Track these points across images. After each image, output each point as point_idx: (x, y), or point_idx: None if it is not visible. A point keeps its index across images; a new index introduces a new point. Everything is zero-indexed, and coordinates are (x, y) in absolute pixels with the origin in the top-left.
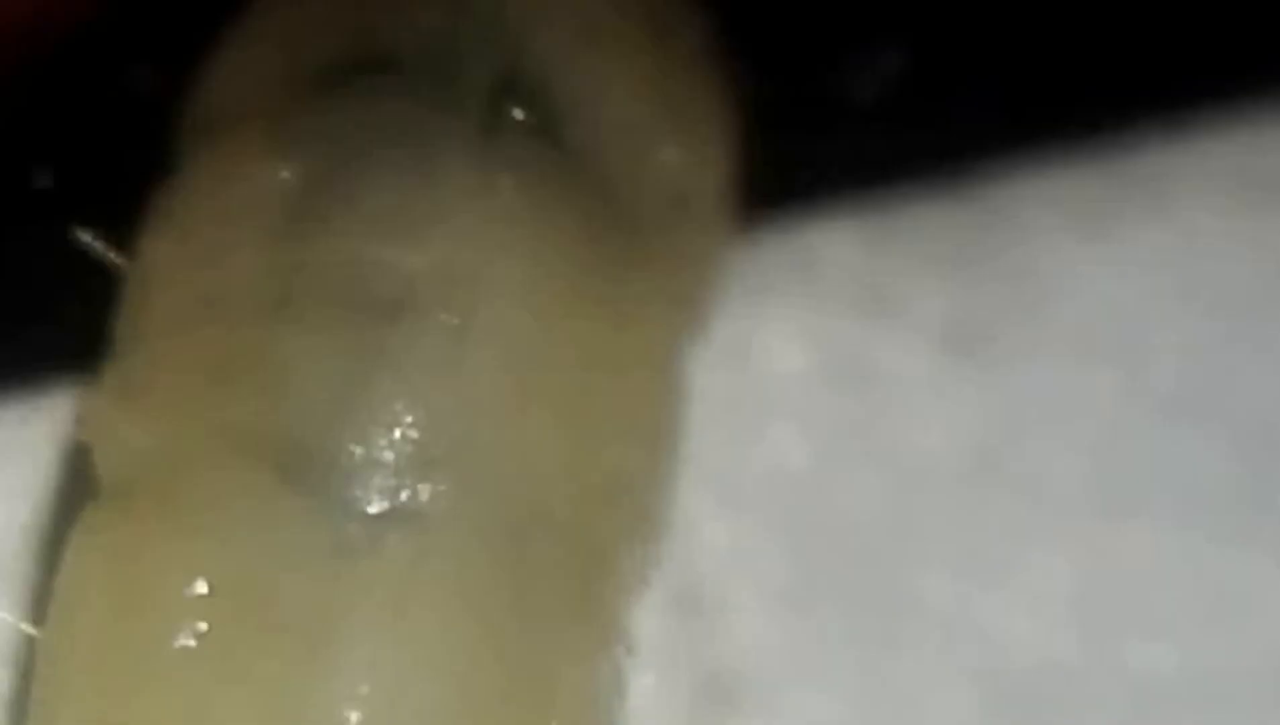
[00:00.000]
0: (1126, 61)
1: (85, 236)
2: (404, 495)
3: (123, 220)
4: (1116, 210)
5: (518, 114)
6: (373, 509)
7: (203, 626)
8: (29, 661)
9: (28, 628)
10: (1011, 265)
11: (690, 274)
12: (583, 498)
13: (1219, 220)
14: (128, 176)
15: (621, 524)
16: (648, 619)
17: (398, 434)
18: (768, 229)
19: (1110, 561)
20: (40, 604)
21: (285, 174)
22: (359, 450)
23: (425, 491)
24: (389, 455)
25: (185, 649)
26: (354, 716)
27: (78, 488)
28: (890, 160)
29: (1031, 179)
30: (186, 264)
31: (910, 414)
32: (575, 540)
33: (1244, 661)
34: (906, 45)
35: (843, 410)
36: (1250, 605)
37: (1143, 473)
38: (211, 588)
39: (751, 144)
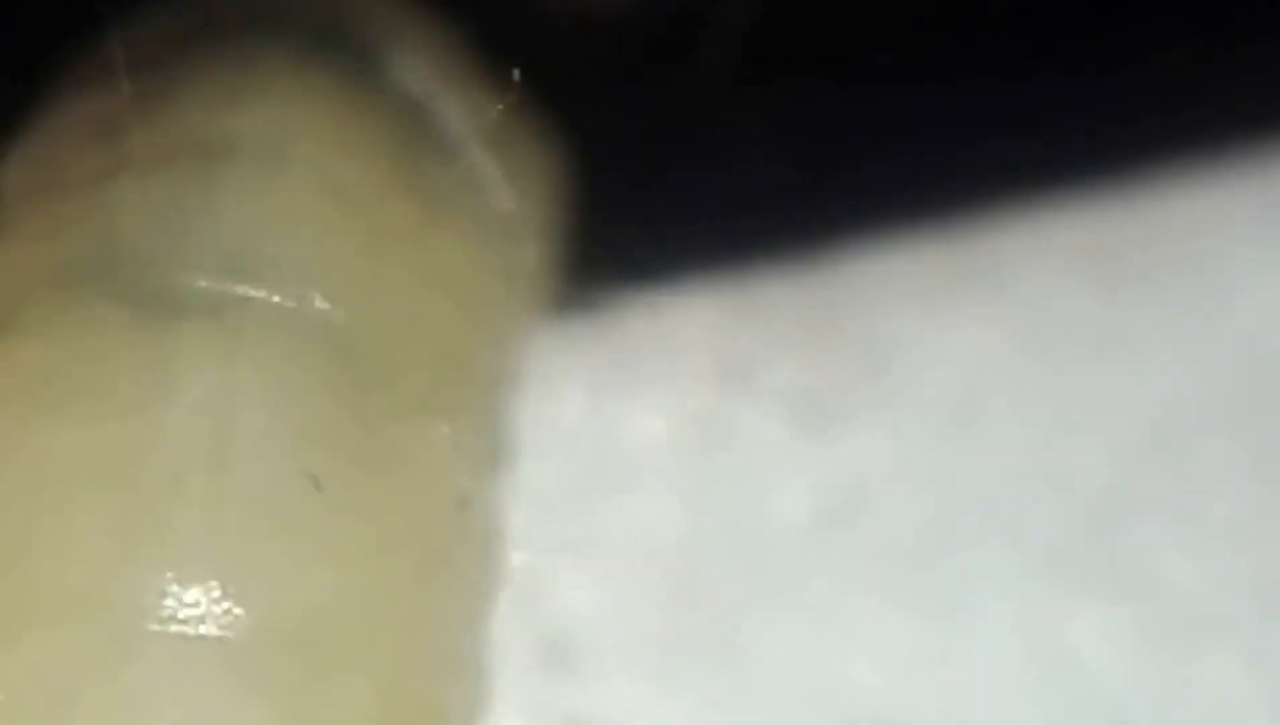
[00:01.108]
0: (967, 144)
1: None
2: (225, 305)
3: None
4: (957, 285)
5: (334, 46)
6: (196, 315)
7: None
8: None
9: None
10: (858, 337)
11: (506, 187)
12: (416, 326)
13: (1054, 294)
14: None
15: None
16: (512, 671)
17: (215, 252)
18: (626, 303)
19: (950, 613)
20: None
21: (128, 89)
22: (181, 269)
23: (244, 304)
24: (207, 271)
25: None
26: (189, 464)
27: None
28: (744, 239)
29: (877, 257)
30: (40, 185)
31: (765, 476)
32: (410, 355)
33: (1080, 711)
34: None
35: (701, 474)
36: (1076, 651)
37: (980, 527)
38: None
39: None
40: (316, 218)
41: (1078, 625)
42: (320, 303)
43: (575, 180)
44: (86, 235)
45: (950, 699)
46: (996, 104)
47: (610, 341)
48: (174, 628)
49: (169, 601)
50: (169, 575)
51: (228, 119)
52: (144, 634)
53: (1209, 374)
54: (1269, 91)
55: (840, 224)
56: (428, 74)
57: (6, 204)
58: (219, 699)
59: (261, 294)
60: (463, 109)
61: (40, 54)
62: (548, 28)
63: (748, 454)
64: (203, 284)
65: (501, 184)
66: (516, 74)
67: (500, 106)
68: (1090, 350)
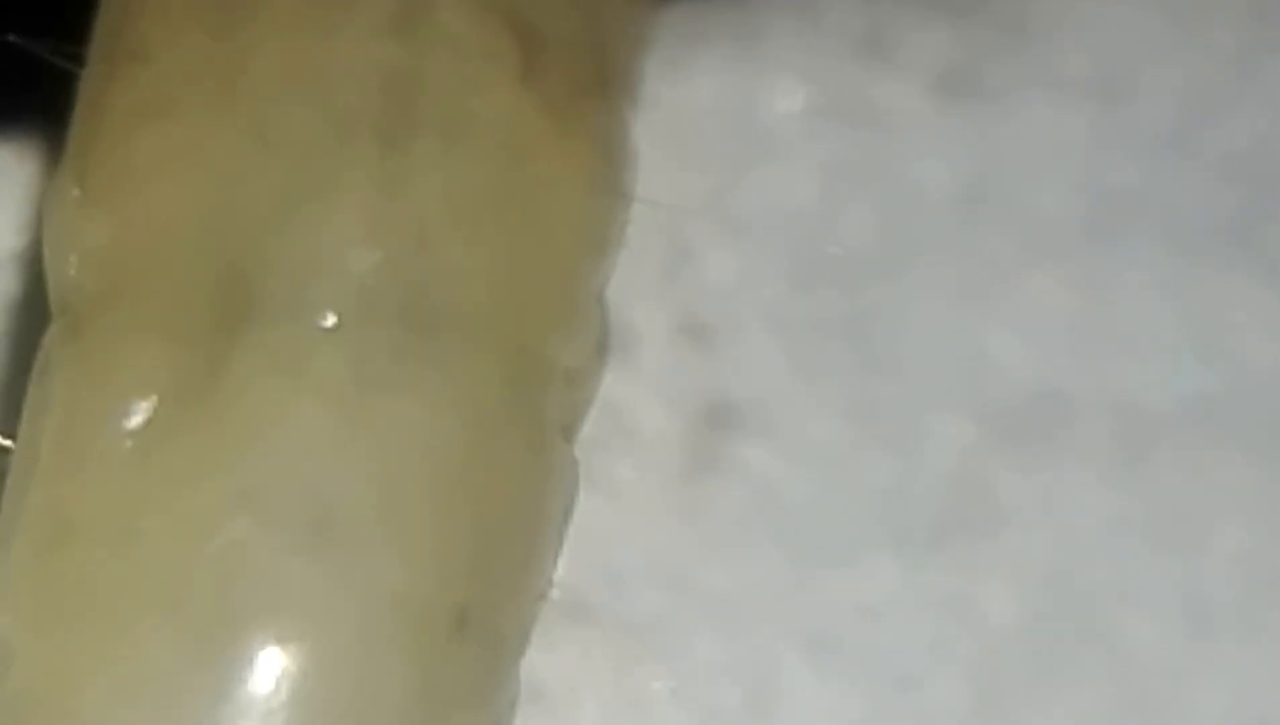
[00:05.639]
0: None
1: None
2: None
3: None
4: None
5: None
6: None
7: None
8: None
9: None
10: (1003, 9)
11: None
12: None
13: None
14: None
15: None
16: (651, 348)
17: None
18: None
19: (1101, 290)
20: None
21: None
22: None
23: None
24: None
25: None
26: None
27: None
28: None
29: None
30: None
31: (907, 150)
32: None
33: (1231, 385)
34: None
35: (842, 147)
36: (1236, 330)
37: (1131, 204)
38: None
39: None
40: None
41: (1229, 304)
42: None
43: None
44: None
45: (1097, 374)
46: None
47: (747, 14)
48: None
49: None
50: None
51: None
52: None
53: None
54: None
55: None
56: None
57: None
58: None
59: None
60: None
61: None
62: None
63: (888, 128)
64: None
65: None
66: None
67: None
68: (1243, 31)
